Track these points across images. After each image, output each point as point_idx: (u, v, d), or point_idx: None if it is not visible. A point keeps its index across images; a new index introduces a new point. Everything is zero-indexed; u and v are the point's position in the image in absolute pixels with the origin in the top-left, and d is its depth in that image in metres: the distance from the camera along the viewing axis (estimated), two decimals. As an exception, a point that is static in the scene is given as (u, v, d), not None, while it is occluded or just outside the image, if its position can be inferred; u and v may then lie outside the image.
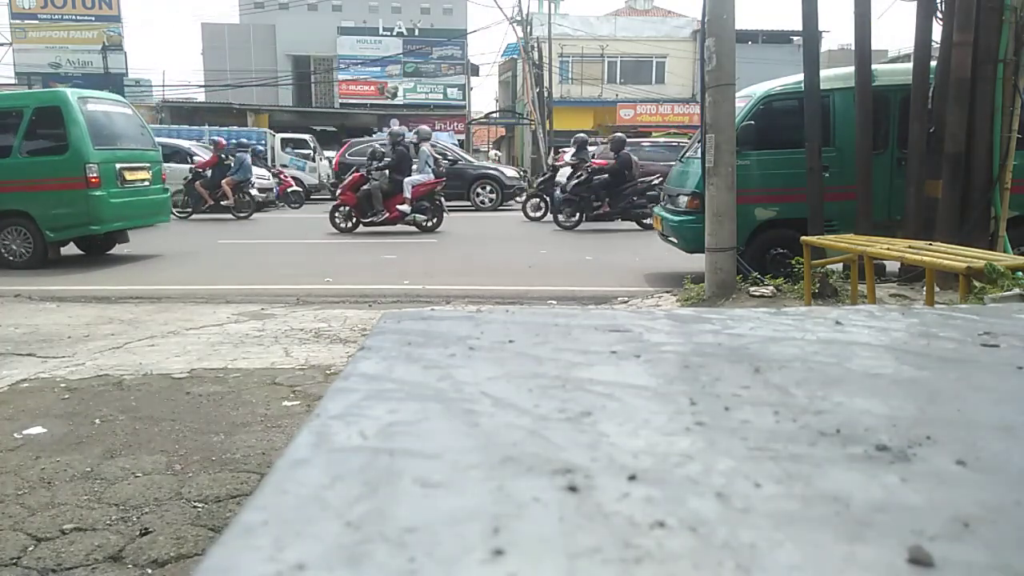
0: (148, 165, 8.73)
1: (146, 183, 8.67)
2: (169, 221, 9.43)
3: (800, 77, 5.77)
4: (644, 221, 10.59)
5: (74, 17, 29.80)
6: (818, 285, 5.13)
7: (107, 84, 28.78)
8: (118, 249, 8.98)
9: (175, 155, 16.11)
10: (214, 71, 32.68)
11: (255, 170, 17.37)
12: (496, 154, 23.64)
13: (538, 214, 12.90)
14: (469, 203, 15.83)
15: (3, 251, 7.85)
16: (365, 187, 10.70)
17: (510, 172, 16.89)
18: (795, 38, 26.67)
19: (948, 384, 0.62)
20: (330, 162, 19.02)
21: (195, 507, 2.29)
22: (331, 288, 6.46)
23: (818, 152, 5.61)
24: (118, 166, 8.08)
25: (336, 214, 11.10)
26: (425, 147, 11.11)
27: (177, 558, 1.99)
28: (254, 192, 14.45)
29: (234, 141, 18.06)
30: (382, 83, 31.31)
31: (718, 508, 0.40)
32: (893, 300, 5.15)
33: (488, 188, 15.82)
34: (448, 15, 35.38)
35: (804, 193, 5.70)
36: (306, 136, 22.45)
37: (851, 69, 5.82)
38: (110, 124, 8.27)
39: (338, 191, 11.95)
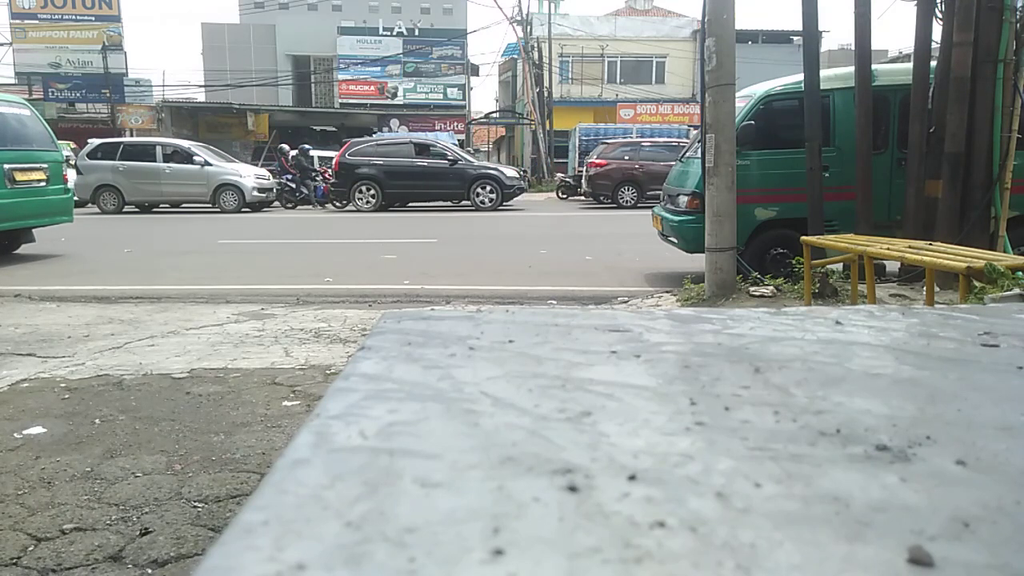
0: (44, 166, 8.77)
1: (42, 183, 8.71)
2: (72, 221, 9.40)
3: (800, 77, 5.77)
4: None
5: (74, 17, 29.79)
6: (818, 285, 5.13)
7: (107, 84, 28.87)
8: (24, 249, 8.98)
9: (175, 155, 16.15)
10: (214, 71, 32.70)
11: (254, 170, 17.47)
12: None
13: None
14: (469, 203, 15.84)
15: None
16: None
17: (510, 172, 16.88)
18: (795, 38, 26.71)
19: (948, 384, 0.62)
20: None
21: (195, 507, 2.29)
22: (331, 288, 6.46)
23: (818, 152, 5.61)
24: (6, 167, 8.15)
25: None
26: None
27: (177, 558, 1.99)
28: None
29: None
30: (382, 83, 31.32)
31: (718, 508, 0.40)
32: (893, 300, 5.15)
33: (488, 188, 15.82)
34: (448, 15, 35.39)
35: (804, 193, 5.70)
36: None
37: (851, 69, 5.82)
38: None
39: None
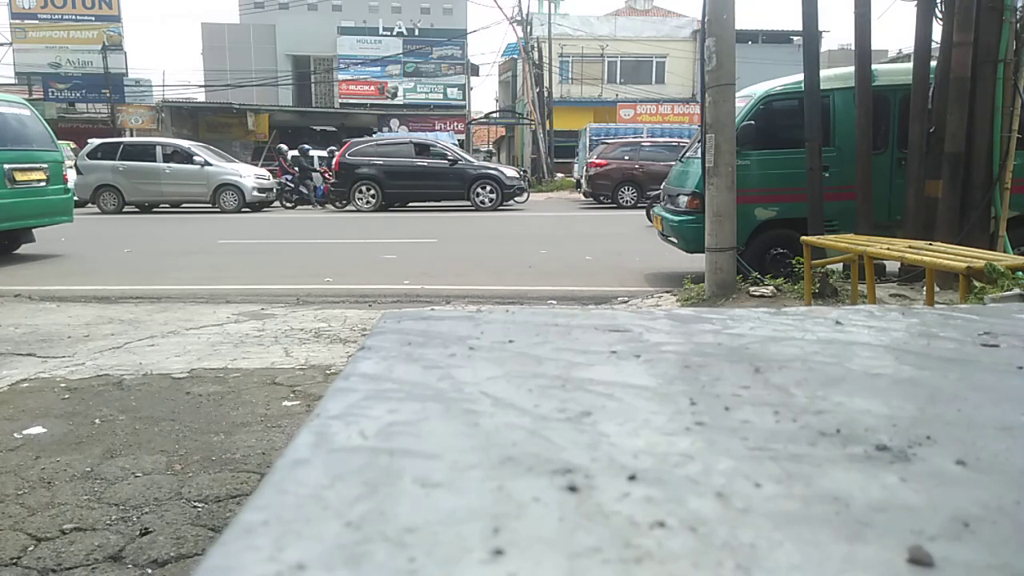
0: (44, 166, 8.79)
1: (42, 183, 8.73)
2: (72, 221, 9.41)
3: (800, 77, 5.77)
4: None
5: (74, 17, 29.78)
6: (818, 285, 5.13)
7: (107, 84, 28.87)
8: (24, 249, 8.98)
9: (175, 155, 16.14)
10: (214, 71, 32.71)
11: (254, 170, 17.47)
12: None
13: None
14: (469, 203, 15.84)
15: None
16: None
17: (510, 172, 16.87)
18: (795, 38, 26.71)
19: (948, 384, 0.62)
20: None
21: (195, 507, 2.29)
22: (331, 288, 6.46)
23: (818, 152, 5.61)
24: (6, 167, 8.17)
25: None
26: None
27: (177, 558, 1.99)
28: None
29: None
30: (382, 83, 31.31)
31: (718, 508, 0.40)
32: (893, 300, 5.15)
33: (488, 188, 15.82)
34: (448, 15, 35.40)
35: (804, 193, 5.70)
36: None
37: (851, 69, 5.82)
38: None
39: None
